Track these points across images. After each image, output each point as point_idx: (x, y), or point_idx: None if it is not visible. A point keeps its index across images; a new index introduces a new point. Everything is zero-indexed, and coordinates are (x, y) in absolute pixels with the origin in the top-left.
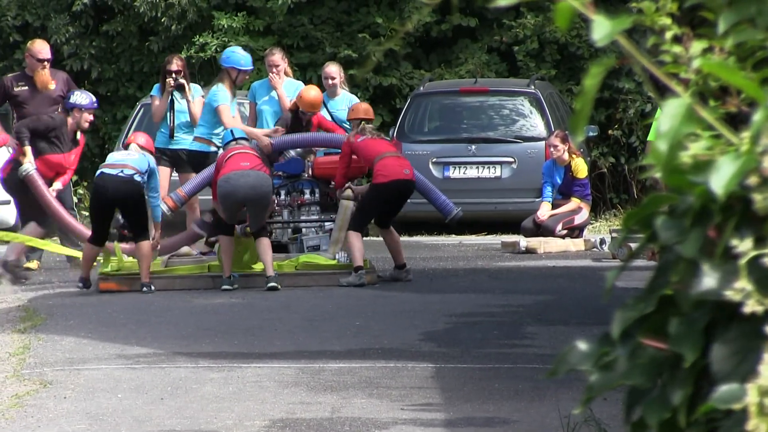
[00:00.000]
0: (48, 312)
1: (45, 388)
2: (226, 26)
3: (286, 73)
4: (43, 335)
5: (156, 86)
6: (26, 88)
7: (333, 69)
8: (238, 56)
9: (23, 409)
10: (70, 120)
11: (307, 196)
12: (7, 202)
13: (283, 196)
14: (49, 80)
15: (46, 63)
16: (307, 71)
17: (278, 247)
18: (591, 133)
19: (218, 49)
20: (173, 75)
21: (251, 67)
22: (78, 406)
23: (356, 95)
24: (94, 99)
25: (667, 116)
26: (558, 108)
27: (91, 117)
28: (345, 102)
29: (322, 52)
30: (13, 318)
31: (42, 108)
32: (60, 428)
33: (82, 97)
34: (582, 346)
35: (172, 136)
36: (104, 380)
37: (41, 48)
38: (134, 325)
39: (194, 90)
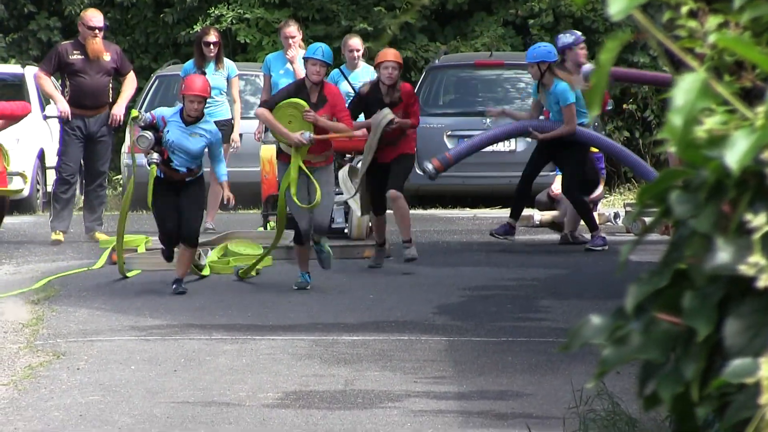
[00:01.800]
0: (62, 283)
1: (58, 360)
2: None
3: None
4: (57, 307)
5: (190, 62)
6: (81, 56)
7: (356, 41)
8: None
9: (36, 380)
10: None
11: None
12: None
13: None
14: (102, 49)
15: (97, 31)
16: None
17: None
18: (606, 108)
19: (233, 21)
20: (210, 46)
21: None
22: (91, 377)
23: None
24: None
25: (683, 91)
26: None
27: None
28: (366, 74)
29: (338, 24)
30: (26, 289)
31: (96, 78)
32: (73, 399)
33: None
34: (596, 320)
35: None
36: (117, 352)
37: (92, 16)
38: (148, 297)
39: (230, 69)
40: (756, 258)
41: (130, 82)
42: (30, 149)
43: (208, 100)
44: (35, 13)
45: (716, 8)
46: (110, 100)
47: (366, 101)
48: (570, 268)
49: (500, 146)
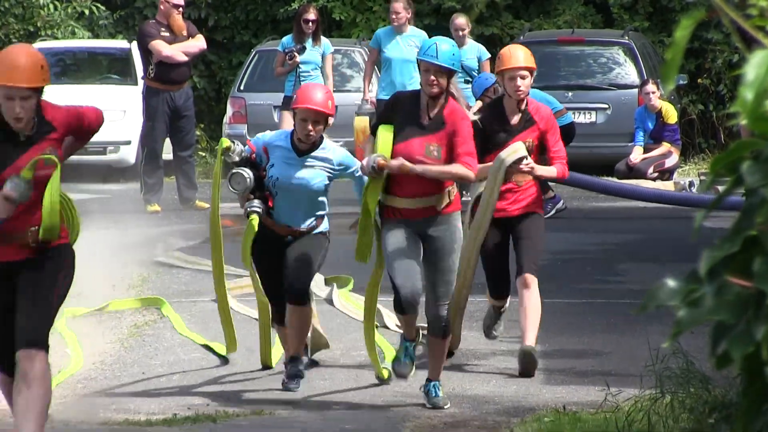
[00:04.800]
0: (165, 247)
1: (161, 319)
2: None
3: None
4: (161, 269)
5: (288, 37)
6: (168, 34)
7: (462, 21)
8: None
9: (141, 338)
10: None
11: None
12: (128, 142)
13: None
14: (183, 25)
15: (180, 8)
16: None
17: None
18: (681, 82)
19: (329, 1)
20: (309, 23)
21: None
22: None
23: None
24: None
25: (754, 66)
26: (650, 58)
27: None
28: (474, 51)
29: (428, 2)
30: (133, 251)
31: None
32: (176, 356)
33: None
34: (671, 283)
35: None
36: (218, 311)
37: None
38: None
39: (325, 46)
40: None
41: (197, 40)
42: (136, 120)
43: (302, 73)
44: None
45: None
46: (191, 74)
47: (484, 130)
48: (646, 233)
49: (581, 118)
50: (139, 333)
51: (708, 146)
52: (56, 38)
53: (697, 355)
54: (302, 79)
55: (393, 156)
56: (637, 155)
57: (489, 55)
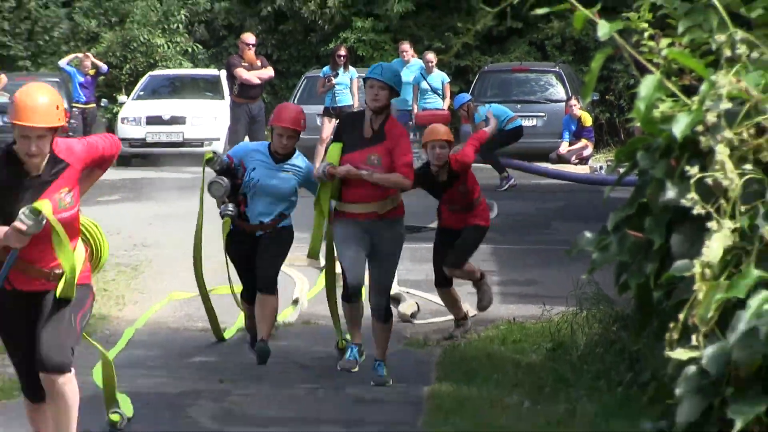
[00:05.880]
0: None
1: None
2: (360, 26)
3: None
4: None
5: (327, 67)
6: (246, 64)
7: (431, 55)
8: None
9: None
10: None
11: None
12: (217, 139)
13: None
14: (254, 58)
15: (251, 46)
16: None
17: None
18: (594, 98)
19: (355, 41)
20: (341, 57)
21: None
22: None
23: (444, 72)
24: None
25: (645, 86)
26: (573, 81)
27: None
28: (439, 76)
29: (422, 43)
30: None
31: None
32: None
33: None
34: (588, 234)
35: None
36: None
37: (248, 36)
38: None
39: (352, 73)
40: (692, 195)
41: (268, 69)
42: (223, 124)
43: (336, 91)
44: (226, 35)
45: (667, 33)
46: (262, 92)
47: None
48: (571, 201)
49: (527, 122)
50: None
51: (613, 142)
52: (168, 67)
53: (605, 285)
54: (336, 96)
55: (341, 164)
56: (563, 148)
57: (449, 80)
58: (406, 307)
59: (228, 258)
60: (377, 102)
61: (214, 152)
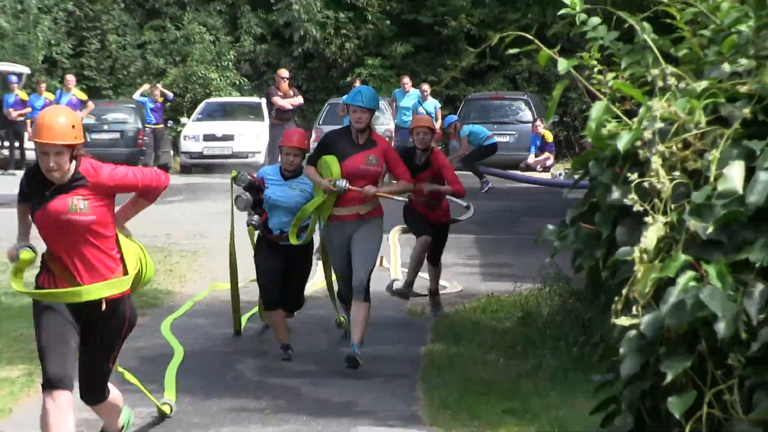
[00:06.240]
0: None
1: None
2: (371, 64)
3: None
4: None
5: (345, 96)
6: (281, 94)
7: (426, 86)
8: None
9: None
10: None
11: None
12: (259, 152)
13: None
14: (288, 89)
15: (285, 79)
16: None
17: None
18: (555, 119)
19: (367, 75)
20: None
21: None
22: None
23: (437, 99)
24: None
25: (595, 110)
26: (539, 107)
27: None
28: (432, 103)
29: (419, 77)
30: None
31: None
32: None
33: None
34: (550, 226)
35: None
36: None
37: (283, 71)
38: None
39: None
40: (632, 196)
41: (298, 97)
42: (263, 140)
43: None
44: (266, 70)
45: (612, 68)
46: (294, 115)
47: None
48: (537, 201)
49: (501, 139)
50: None
51: (569, 154)
52: (220, 96)
53: (564, 267)
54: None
55: (342, 170)
56: (530, 159)
57: (440, 105)
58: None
59: (257, 263)
60: (361, 123)
61: (239, 171)
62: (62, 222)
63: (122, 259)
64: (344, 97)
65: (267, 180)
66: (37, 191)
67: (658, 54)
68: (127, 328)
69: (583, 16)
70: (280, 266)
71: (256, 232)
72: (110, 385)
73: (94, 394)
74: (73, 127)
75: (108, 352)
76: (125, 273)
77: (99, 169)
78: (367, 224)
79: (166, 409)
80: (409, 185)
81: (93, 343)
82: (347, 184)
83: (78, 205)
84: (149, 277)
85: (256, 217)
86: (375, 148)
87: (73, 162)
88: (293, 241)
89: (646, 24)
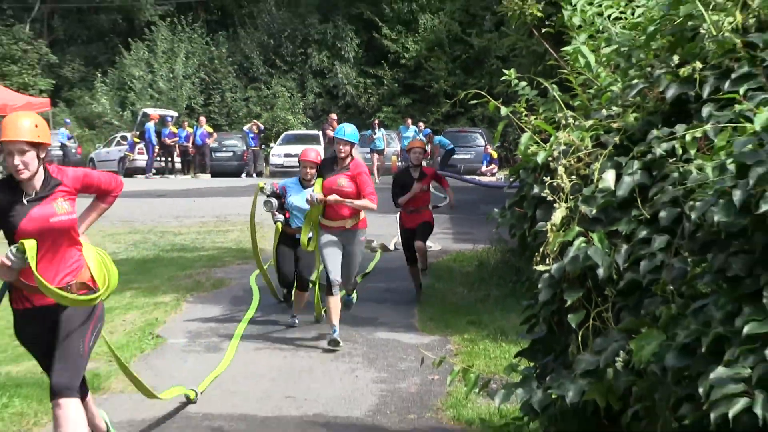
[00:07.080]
0: None
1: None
2: (385, 110)
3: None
4: None
5: (369, 130)
6: (330, 129)
7: (421, 124)
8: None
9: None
10: None
11: None
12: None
13: None
14: (336, 126)
15: (334, 119)
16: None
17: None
18: (498, 144)
19: (383, 117)
20: (376, 124)
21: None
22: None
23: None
24: None
25: (524, 138)
26: (488, 137)
27: None
28: (425, 132)
29: (416, 118)
30: None
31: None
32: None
33: None
34: (496, 210)
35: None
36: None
37: (333, 115)
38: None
39: (381, 132)
40: (546, 191)
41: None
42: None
43: (375, 139)
44: (321, 114)
45: (533, 113)
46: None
47: (398, 181)
48: (489, 195)
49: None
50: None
51: (507, 166)
52: (294, 129)
53: (505, 234)
54: (376, 143)
55: (323, 188)
56: (483, 169)
57: (430, 131)
58: (389, 244)
59: (276, 252)
60: (343, 153)
61: (264, 183)
62: (51, 225)
63: (87, 265)
64: (369, 131)
65: (288, 189)
66: (11, 203)
67: (561, 104)
68: (98, 316)
69: (516, 81)
70: (294, 253)
71: (281, 227)
72: (90, 403)
73: (67, 376)
74: (37, 126)
75: (78, 326)
76: (91, 277)
77: (64, 170)
78: (353, 234)
79: (192, 394)
80: (369, 204)
81: (63, 322)
82: (318, 197)
83: (63, 205)
84: (113, 285)
85: (281, 216)
86: (348, 172)
87: (41, 168)
88: (305, 247)
89: (554, 86)
